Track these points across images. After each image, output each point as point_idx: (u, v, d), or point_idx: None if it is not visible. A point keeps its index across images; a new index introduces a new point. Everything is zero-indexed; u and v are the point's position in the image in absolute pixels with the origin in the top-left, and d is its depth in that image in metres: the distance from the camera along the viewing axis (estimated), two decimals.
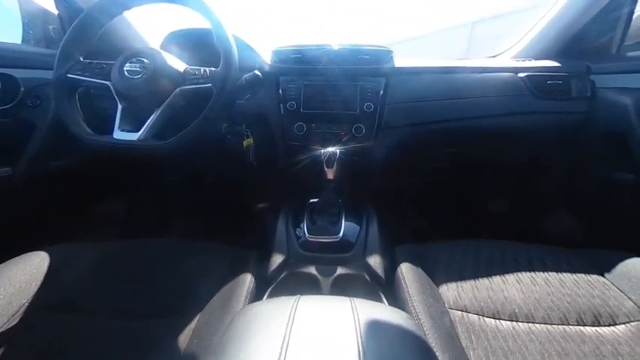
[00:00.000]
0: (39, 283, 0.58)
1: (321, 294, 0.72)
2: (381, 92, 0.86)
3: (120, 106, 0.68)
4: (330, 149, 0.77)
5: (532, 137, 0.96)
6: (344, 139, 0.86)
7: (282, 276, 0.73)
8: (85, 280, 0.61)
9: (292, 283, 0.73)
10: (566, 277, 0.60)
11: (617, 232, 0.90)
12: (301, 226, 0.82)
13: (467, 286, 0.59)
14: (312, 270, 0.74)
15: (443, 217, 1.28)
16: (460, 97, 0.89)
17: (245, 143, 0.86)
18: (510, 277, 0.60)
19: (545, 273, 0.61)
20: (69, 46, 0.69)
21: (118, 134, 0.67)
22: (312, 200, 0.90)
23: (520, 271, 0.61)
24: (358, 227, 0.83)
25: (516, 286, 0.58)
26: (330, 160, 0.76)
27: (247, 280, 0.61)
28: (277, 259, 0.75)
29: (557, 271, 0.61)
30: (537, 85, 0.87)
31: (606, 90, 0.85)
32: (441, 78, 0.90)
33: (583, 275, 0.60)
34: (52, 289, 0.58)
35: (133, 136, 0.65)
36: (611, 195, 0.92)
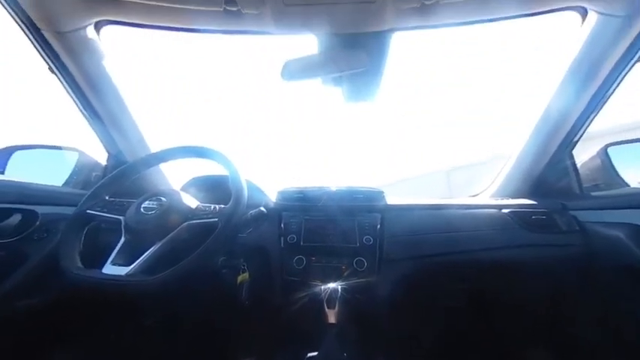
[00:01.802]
0: None
1: None
2: (378, 226, 0.90)
3: (122, 239, 0.69)
4: (331, 285, 0.71)
5: (539, 270, 0.91)
6: (345, 274, 0.82)
7: None
8: None
9: None
10: None
11: None
12: None
13: None
14: None
15: None
16: (454, 230, 0.92)
17: (239, 278, 0.80)
18: None
19: None
20: (101, 188, 0.79)
21: (108, 268, 0.64)
22: (310, 355, 0.73)
23: None
24: None
25: None
26: (332, 298, 0.68)
27: None
28: None
29: None
30: (524, 219, 0.93)
31: (591, 224, 0.89)
32: (432, 213, 0.97)
33: None
34: None
35: (122, 271, 0.62)
36: None
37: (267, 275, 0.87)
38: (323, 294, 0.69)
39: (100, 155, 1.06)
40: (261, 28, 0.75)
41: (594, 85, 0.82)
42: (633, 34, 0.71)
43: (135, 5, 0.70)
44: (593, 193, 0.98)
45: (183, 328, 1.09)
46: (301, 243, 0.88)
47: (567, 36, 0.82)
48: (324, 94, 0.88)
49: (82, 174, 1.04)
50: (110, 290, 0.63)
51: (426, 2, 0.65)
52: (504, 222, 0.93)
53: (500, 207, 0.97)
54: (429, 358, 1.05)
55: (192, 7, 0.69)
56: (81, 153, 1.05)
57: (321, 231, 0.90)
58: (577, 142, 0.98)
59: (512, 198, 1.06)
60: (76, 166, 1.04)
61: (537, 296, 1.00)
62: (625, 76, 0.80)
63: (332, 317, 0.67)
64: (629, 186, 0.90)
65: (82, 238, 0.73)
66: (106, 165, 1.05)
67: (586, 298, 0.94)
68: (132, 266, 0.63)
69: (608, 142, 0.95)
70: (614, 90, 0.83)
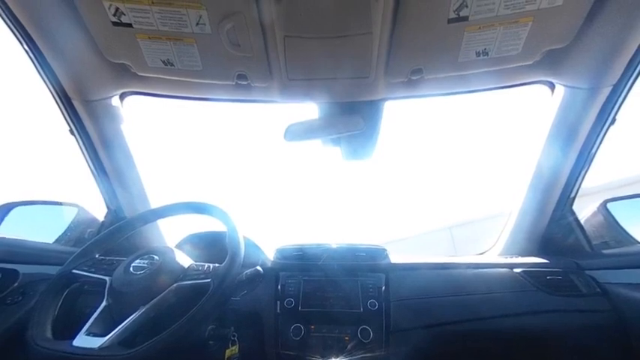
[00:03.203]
0: None
1: None
2: (383, 288, 0.84)
3: (103, 304, 0.63)
4: None
5: (568, 342, 0.81)
6: (349, 346, 0.72)
7: None
8: None
9: None
10: None
11: None
12: None
13: None
14: None
15: None
16: (466, 293, 0.85)
17: (228, 352, 0.70)
18: None
19: None
20: (93, 246, 0.76)
21: (80, 340, 0.57)
22: None
23: None
24: None
25: None
26: None
27: None
28: None
29: None
30: (539, 280, 0.86)
31: (613, 285, 0.83)
32: (439, 274, 0.91)
33: None
34: None
35: (95, 343, 0.55)
36: None
37: (259, 349, 0.77)
38: None
39: (100, 211, 1.05)
40: (267, 98, 0.85)
41: (576, 146, 0.87)
42: (599, 104, 0.79)
43: (158, 80, 0.80)
44: (605, 251, 0.94)
45: None
46: (299, 308, 0.80)
47: (542, 104, 0.91)
48: (324, 154, 0.93)
49: (77, 230, 1.02)
50: None
51: (413, 77, 0.75)
52: (519, 283, 0.86)
53: (512, 266, 0.92)
54: None
55: (207, 81, 0.79)
56: (80, 209, 1.04)
57: (321, 294, 0.83)
58: (574, 197, 0.99)
59: (521, 256, 1.01)
60: (72, 222, 1.02)
61: None
62: (603, 138, 0.86)
63: None
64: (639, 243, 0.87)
65: (60, 301, 0.66)
66: (102, 221, 1.03)
67: None
68: (107, 337, 0.56)
69: (605, 198, 0.96)
70: (597, 149, 0.88)
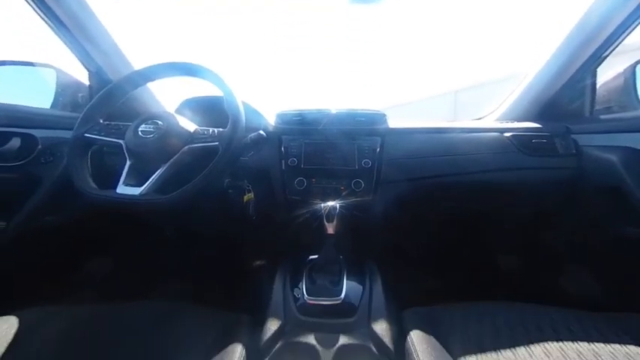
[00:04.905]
0: (1, 354, 0.51)
1: None
2: (378, 150, 0.91)
3: (128, 162, 0.71)
4: (330, 203, 0.77)
5: (528, 191, 0.97)
6: (344, 194, 0.87)
7: (277, 346, 0.65)
8: (53, 351, 0.54)
9: (289, 355, 0.64)
10: (600, 348, 0.53)
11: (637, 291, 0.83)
12: (299, 285, 0.77)
13: (488, 358, 0.52)
14: (312, 339, 0.66)
15: (450, 276, 1.20)
16: (453, 154, 0.93)
17: (245, 198, 0.87)
18: (537, 349, 0.53)
19: (576, 343, 0.54)
20: (92, 110, 0.76)
21: (122, 189, 0.68)
22: (311, 257, 0.86)
23: (546, 340, 0.54)
24: (361, 287, 0.77)
25: None
26: (330, 214, 0.75)
27: (237, 352, 0.54)
28: (272, 326, 0.67)
29: (588, 341, 0.54)
30: (523, 143, 0.93)
31: (590, 148, 0.90)
32: (433, 137, 0.97)
33: (619, 346, 0.53)
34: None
35: (136, 191, 0.66)
36: (623, 250, 0.88)
37: (270, 195, 0.94)
38: (323, 210, 0.75)
39: (79, 74, 0.97)
40: None
41: None
42: None
43: None
44: (602, 117, 0.95)
45: (198, 238, 1.24)
46: (302, 166, 0.91)
47: None
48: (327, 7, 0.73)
49: (67, 95, 0.98)
50: (127, 208, 0.69)
51: None
52: (504, 145, 0.93)
53: (503, 130, 0.96)
54: (412, 261, 1.24)
55: None
56: (58, 71, 0.96)
57: (321, 154, 0.91)
58: (606, 57, 0.88)
59: (519, 121, 1.03)
60: (57, 86, 0.97)
61: (520, 214, 1.10)
62: None
63: (330, 229, 0.76)
64: None
65: (89, 160, 0.75)
66: (90, 85, 0.97)
67: (564, 214, 1.03)
68: (144, 187, 0.67)
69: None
70: None
